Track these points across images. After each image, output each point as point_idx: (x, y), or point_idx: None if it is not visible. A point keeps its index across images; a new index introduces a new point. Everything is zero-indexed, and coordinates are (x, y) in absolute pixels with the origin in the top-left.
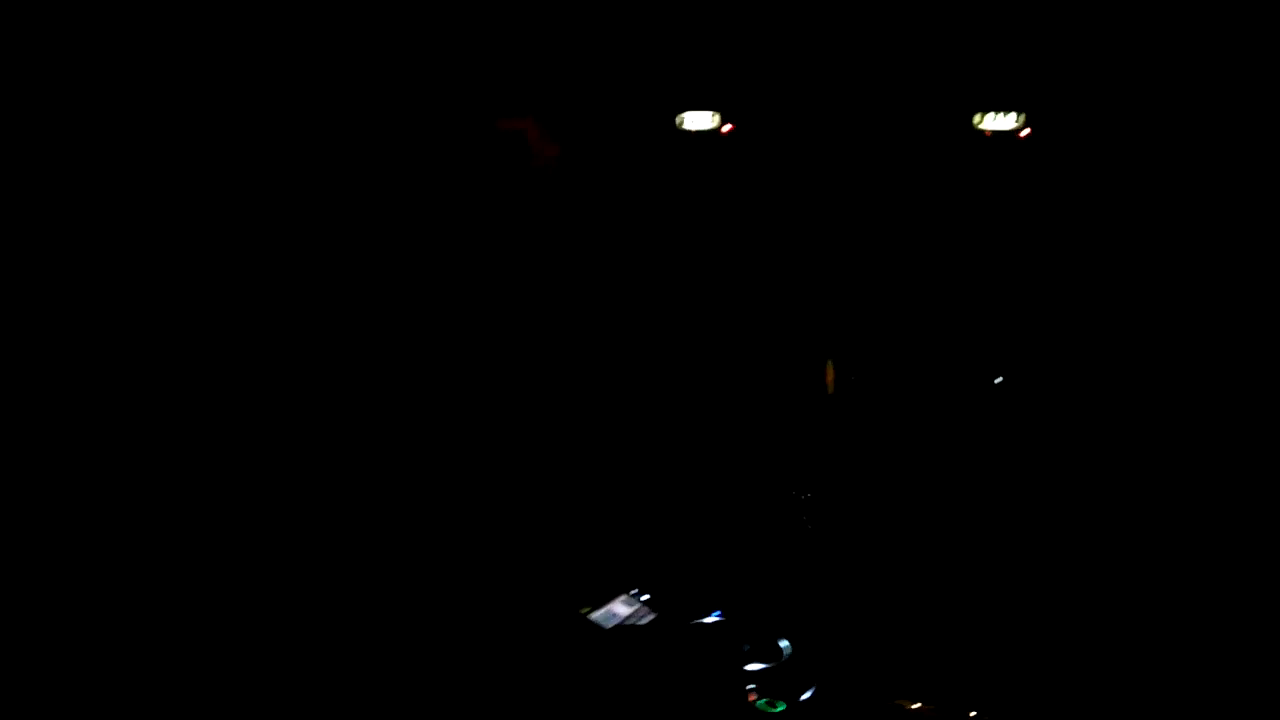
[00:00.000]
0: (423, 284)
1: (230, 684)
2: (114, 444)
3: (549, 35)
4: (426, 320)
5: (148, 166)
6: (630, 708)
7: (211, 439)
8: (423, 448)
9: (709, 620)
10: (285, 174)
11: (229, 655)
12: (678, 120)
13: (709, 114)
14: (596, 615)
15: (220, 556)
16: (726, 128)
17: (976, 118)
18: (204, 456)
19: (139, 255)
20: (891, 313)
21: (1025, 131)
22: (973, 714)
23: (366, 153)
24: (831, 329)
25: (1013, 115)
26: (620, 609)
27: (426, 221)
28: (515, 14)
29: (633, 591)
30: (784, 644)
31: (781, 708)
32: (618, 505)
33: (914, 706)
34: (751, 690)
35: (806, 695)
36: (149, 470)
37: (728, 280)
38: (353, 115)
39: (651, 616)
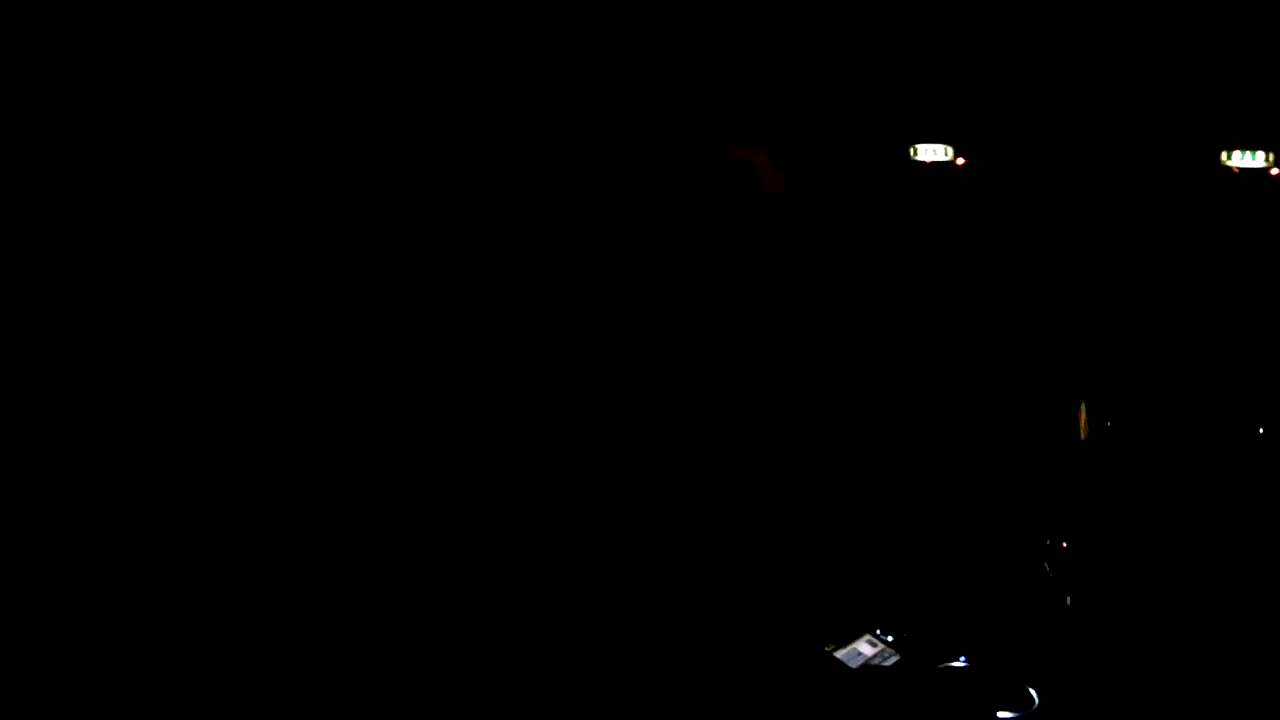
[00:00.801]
0: (644, 305)
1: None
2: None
3: (790, 65)
4: (658, 342)
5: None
6: None
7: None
8: (635, 464)
9: (956, 665)
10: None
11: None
12: (911, 151)
13: (942, 147)
14: (842, 654)
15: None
16: (960, 161)
17: (1224, 155)
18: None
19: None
20: (1146, 356)
21: (1276, 170)
22: None
23: (604, 178)
24: (1085, 370)
25: (1262, 154)
26: (865, 649)
27: (656, 245)
28: (759, 43)
29: (876, 631)
30: (1033, 693)
31: None
32: (869, 543)
33: None
34: None
35: None
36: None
37: (970, 314)
38: (590, 142)
39: (896, 658)
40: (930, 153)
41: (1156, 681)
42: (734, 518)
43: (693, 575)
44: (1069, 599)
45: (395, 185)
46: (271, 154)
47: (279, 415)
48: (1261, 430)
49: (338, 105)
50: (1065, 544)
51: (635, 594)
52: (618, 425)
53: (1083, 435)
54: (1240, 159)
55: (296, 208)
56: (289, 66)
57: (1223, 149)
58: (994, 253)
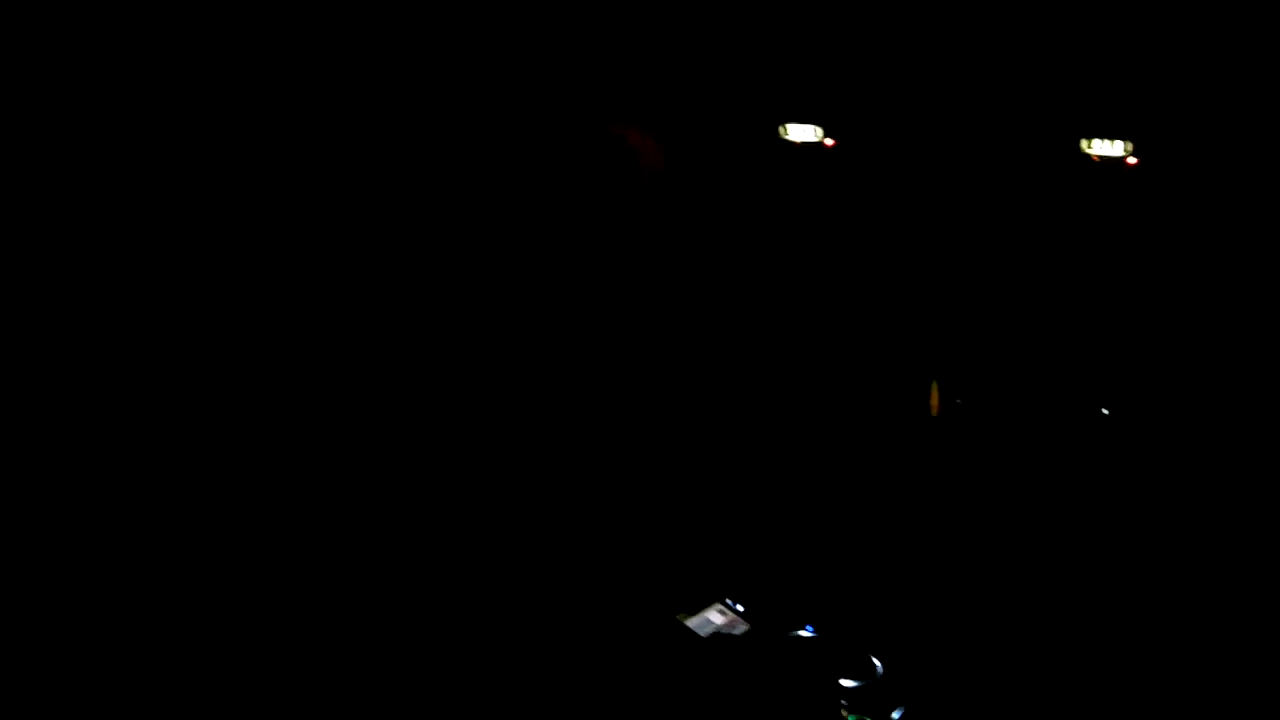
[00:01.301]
0: (530, 278)
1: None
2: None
3: (664, 46)
4: (529, 313)
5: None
6: (722, 716)
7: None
8: (513, 439)
9: (802, 634)
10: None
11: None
12: (781, 131)
13: (812, 127)
14: (692, 622)
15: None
16: (829, 142)
17: (1084, 143)
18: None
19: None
20: (998, 336)
21: (1133, 159)
22: None
23: (477, 152)
24: (936, 349)
25: (1120, 143)
26: (715, 617)
27: (537, 220)
28: (633, 24)
29: (727, 600)
30: (876, 662)
31: None
32: (715, 515)
33: None
34: (843, 706)
35: (897, 716)
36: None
37: (830, 292)
38: (465, 113)
39: (745, 627)
40: (800, 133)
41: (996, 652)
42: (587, 491)
43: (546, 547)
44: (915, 571)
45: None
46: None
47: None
48: (1105, 410)
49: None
50: (914, 516)
51: (490, 566)
52: (474, 403)
53: (934, 412)
54: (1100, 147)
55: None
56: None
57: (1083, 137)
58: (857, 233)
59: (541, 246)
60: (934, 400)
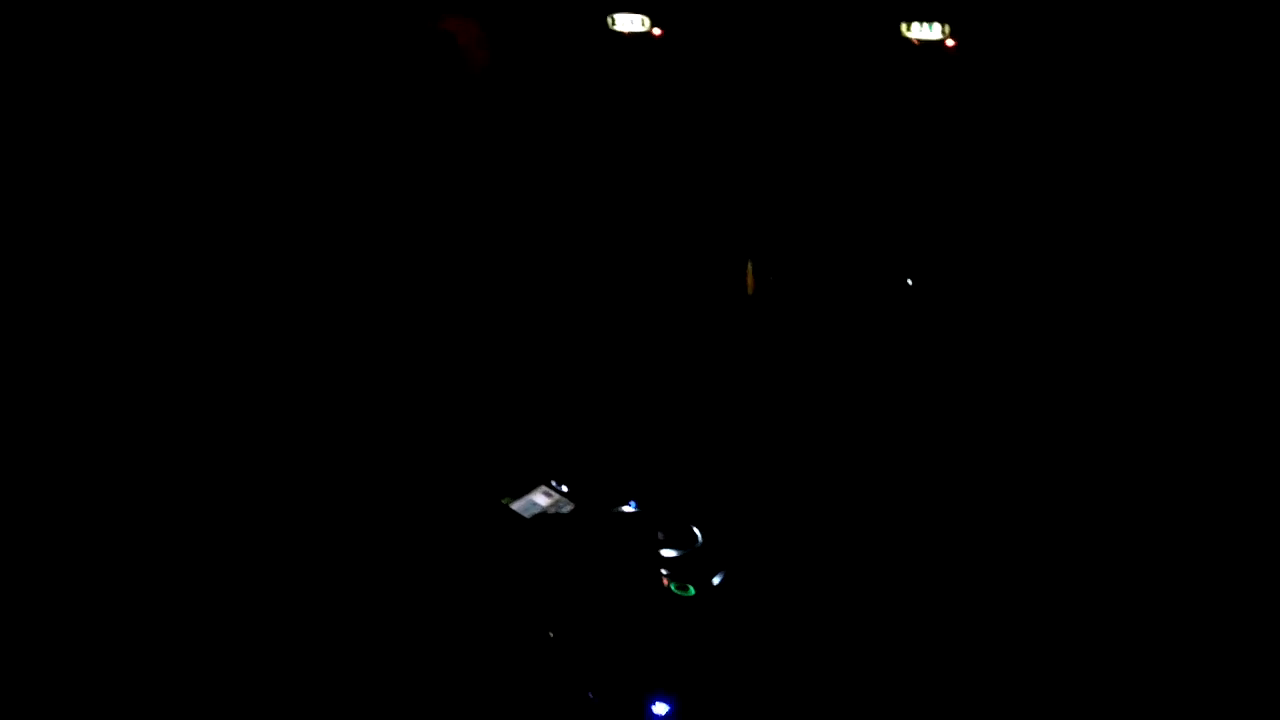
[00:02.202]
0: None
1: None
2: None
3: None
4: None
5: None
6: (550, 593)
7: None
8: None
9: (625, 510)
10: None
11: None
12: (609, 21)
13: (639, 17)
14: (517, 505)
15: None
16: (657, 31)
17: (904, 27)
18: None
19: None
20: (812, 216)
21: (951, 42)
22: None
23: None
24: (753, 230)
25: (939, 25)
26: (540, 499)
27: (356, 124)
28: None
29: (552, 482)
30: (697, 533)
31: (692, 592)
32: (539, 398)
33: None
34: (665, 576)
35: (717, 580)
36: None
37: (652, 180)
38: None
39: (570, 507)
40: (628, 23)
41: (810, 520)
42: (400, 379)
43: (363, 435)
44: (733, 446)
45: None
46: None
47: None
48: (910, 281)
49: None
50: (733, 395)
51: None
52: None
53: (750, 290)
54: (919, 30)
55: None
56: None
57: (903, 20)
58: (682, 121)
59: (372, 148)
60: (750, 279)
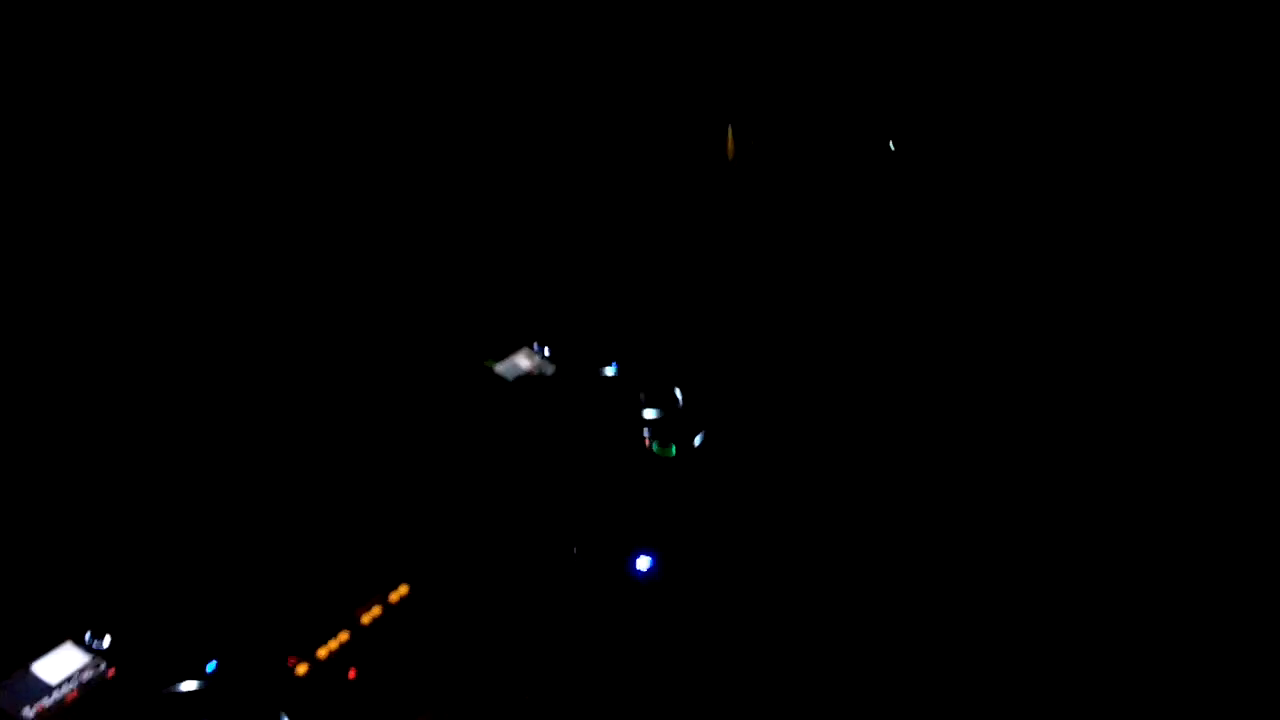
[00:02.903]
0: None
1: None
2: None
3: None
4: None
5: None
6: (534, 453)
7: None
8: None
9: (607, 372)
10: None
11: None
12: None
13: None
14: (501, 368)
15: None
16: None
17: None
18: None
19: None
20: (794, 80)
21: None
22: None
23: None
24: (735, 95)
25: None
26: (523, 362)
27: None
28: None
29: (534, 344)
30: (678, 394)
31: (674, 452)
32: (521, 261)
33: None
34: (646, 436)
35: (698, 440)
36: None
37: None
38: None
39: (553, 369)
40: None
41: (787, 380)
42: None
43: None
44: (711, 311)
45: None
46: None
47: None
48: (891, 146)
49: None
50: (711, 261)
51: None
52: None
53: (730, 156)
54: None
55: None
56: None
57: None
58: None
59: None
60: (730, 144)
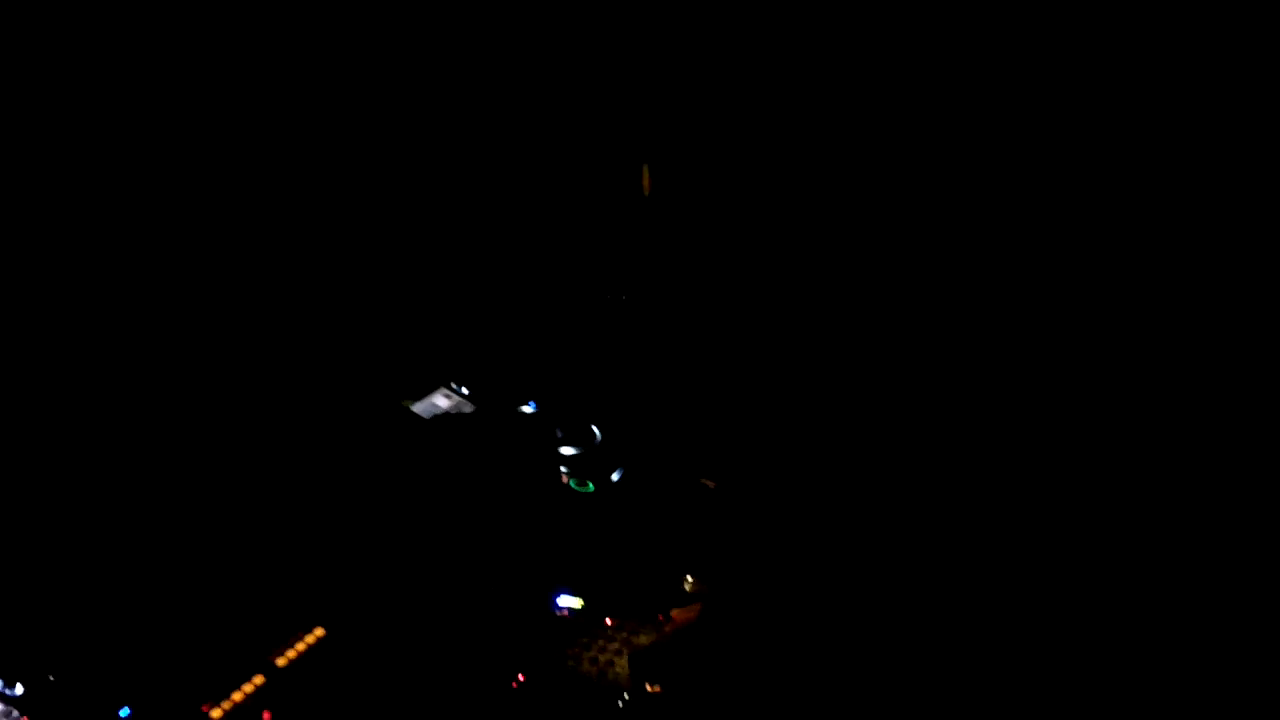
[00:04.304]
0: None
1: None
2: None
3: None
4: None
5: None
6: (453, 490)
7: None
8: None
9: (525, 410)
10: None
11: None
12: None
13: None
14: (418, 407)
15: None
16: None
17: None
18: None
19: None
20: (708, 118)
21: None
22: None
23: None
24: (648, 133)
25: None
26: (441, 401)
27: None
28: None
29: (452, 384)
30: (596, 431)
31: (591, 488)
32: (437, 304)
33: (712, 485)
34: (565, 473)
35: (615, 476)
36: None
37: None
38: None
39: (470, 408)
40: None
41: (701, 416)
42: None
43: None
44: (627, 347)
45: None
46: None
47: None
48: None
49: None
50: (625, 298)
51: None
52: None
53: (645, 193)
54: None
55: None
56: None
57: None
58: None
59: None
60: (645, 181)
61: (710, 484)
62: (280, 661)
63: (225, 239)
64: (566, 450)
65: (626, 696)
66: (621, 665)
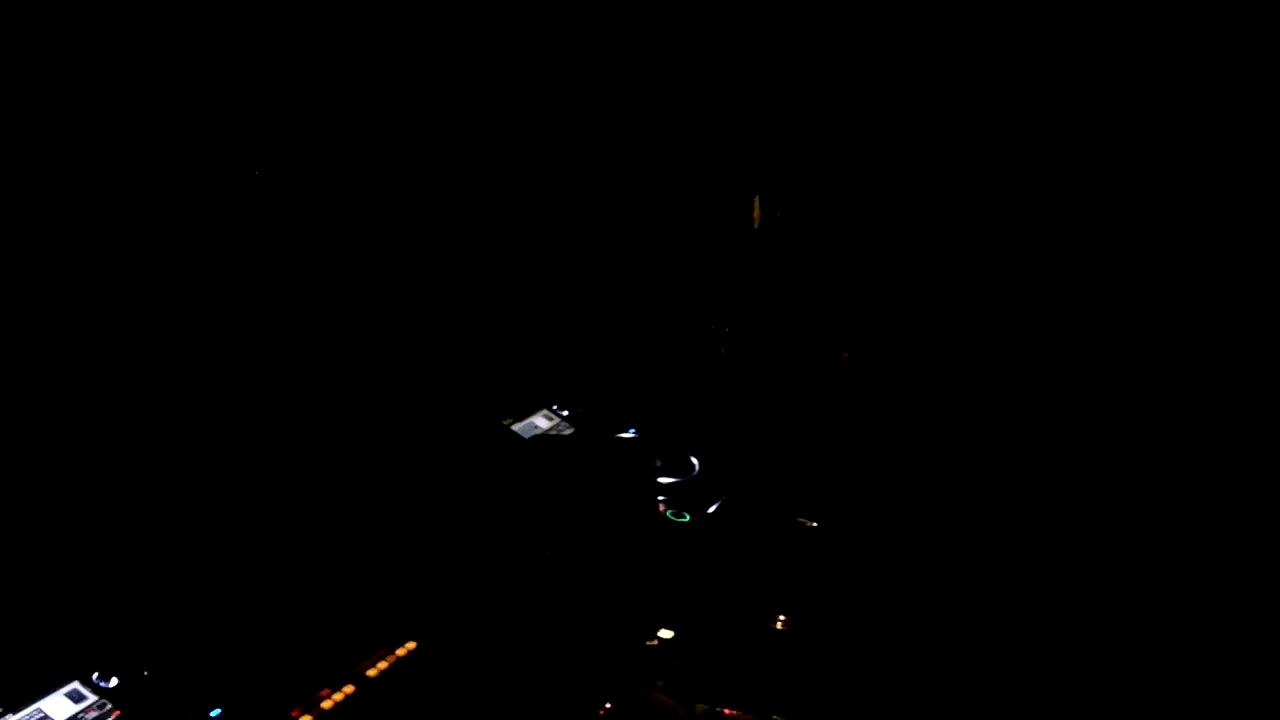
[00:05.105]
0: None
1: None
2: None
3: None
4: None
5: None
6: (548, 514)
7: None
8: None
9: (625, 436)
10: None
11: None
12: None
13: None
14: (518, 427)
15: None
16: None
17: None
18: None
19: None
20: (818, 141)
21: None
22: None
23: None
24: (760, 162)
25: None
26: (541, 422)
27: None
28: None
29: (554, 406)
30: (694, 461)
31: (687, 519)
32: (544, 326)
33: (812, 524)
34: (661, 501)
35: (712, 508)
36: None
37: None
38: None
39: (570, 430)
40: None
41: (808, 449)
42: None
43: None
44: (735, 379)
45: None
46: None
47: None
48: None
49: None
50: (728, 328)
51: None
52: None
53: (755, 225)
54: None
55: None
56: None
57: None
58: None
59: None
60: (756, 213)
61: (810, 523)
62: (371, 673)
63: (338, 247)
64: (664, 479)
65: None
66: (704, 699)
